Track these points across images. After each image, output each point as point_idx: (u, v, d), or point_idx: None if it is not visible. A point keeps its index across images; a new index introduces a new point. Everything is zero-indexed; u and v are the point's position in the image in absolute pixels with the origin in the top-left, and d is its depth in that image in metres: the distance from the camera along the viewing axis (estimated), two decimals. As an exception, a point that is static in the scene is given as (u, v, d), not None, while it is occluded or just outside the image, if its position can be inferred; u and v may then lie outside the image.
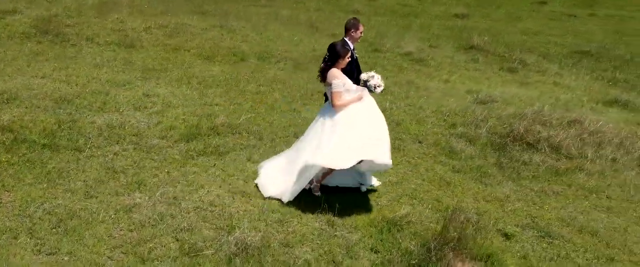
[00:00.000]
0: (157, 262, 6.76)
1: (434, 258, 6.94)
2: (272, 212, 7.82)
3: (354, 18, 8.29)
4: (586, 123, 11.84)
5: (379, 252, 7.34)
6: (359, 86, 7.63)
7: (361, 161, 7.48)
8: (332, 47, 7.52)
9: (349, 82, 7.47)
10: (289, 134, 10.41)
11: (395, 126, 11.32)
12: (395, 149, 10.12)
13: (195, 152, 9.50)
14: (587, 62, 18.28)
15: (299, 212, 7.82)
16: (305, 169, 7.58)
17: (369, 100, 7.68)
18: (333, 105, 7.50)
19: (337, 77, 7.42)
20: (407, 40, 18.12)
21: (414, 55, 16.74)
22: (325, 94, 8.07)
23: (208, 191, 8.29)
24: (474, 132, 11.37)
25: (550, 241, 8.00)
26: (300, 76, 13.89)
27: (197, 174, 8.75)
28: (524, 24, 23.32)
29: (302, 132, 8.66)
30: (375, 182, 8.43)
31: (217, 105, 11.66)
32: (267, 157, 9.04)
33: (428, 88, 14.09)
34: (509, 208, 8.78)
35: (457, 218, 7.68)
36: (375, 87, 7.57)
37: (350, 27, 8.15)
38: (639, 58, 19.11)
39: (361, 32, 8.19)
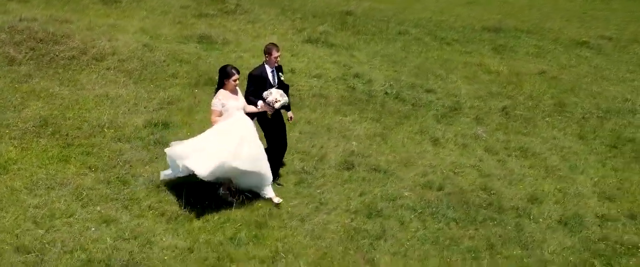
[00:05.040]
0: None
1: None
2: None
3: (270, 43, 8.69)
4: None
5: None
6: (261, 104, 8.28)
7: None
8: (221, 69, 8.18)
9: (230, 104, 8.03)
10: None
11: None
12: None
13: None
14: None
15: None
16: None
17: (243, 123, 8.18)
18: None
19: (217, 97, 8.06)
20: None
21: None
22: None
23: None
24: None
25: None
26: None
27: None
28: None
29: None
30: (275, 199, 8.48)
31: None
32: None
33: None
34: None
35: None
36: (274, 102, 8.13)
37: (265, 52, 8.54)
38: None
39: (276, 57, 8.47)
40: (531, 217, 9.10)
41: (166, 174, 8.27)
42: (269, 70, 8.53)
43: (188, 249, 7.20)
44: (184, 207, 7.91)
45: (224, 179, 8.13)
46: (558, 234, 8.77)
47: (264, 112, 8.43)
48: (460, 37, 18.16)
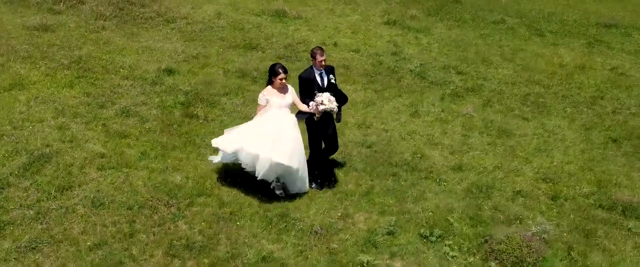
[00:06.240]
0: None
1: None
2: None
3: (315, 48, 8.95)
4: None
5: None
6: (312, 104, 8.60)
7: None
8: (270, 67, 8.63)
9: (273, 100, 8.51)
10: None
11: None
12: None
13: None
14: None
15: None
16: None
17: (278, 119, 8.54)
18: None
19: (263, 93, 8.58)
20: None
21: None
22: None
23: None
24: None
25: None
26: None
27: None
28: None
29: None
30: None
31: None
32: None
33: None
34: None
35: None
36: (319, 104, 8.49)
37: (311, 56, 8.87)
38: None
39: (320, 61, 8.73)
40: (438, 181, 9.58)
41: (214, 159, 8.87)
42: (316, 72, 8.82)
43: (100, 154, 9.19)
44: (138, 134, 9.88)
45: (271, 176, 8.56)
46: (450, 196, 9.20)
47: (312, 114, 8.72)
48: (560, 30, 17.84)
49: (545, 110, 12.43)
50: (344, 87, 12.37)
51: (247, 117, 10.49)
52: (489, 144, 10.88)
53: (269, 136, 8.30)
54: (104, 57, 12.40)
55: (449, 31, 16.83)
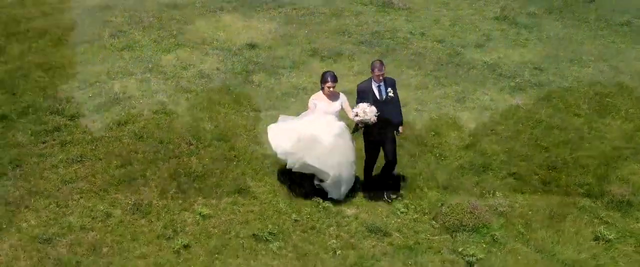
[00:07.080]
0: None
1: None
2: None
3: (375, 60, 9.11)
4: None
5: None
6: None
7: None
8: (322, 75, 9.00)
9: (320, 105, 8.89)
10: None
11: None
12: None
13: None
14: None
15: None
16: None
17: (320, 124, 8.94)
18: None
19: (312, 97, 9.00)
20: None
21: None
22: None
23: None
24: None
25: None
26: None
27: None
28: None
29: None
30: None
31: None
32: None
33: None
34: None
35: None
36: (354, 116, 8.73)
37: (371, 69, 9.06)
38: None
39: (377, 75, 8.87)
40: (438, 155, 10.44)
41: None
42: (374, 85, 9.00)
43: (161, 102, 11.36)
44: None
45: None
46: (440, 169, 10.09)
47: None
48: (690, 36, 16.87)
49: (604, 109, 12.39)
50: (407, 72, 13.44)
51: (294, 86, 12.17)
52: (516, 131, 11.31)
53: (305, 137, 8.74)
54: (208, 31, 14.68)
55: (562, 30, 16.74)
